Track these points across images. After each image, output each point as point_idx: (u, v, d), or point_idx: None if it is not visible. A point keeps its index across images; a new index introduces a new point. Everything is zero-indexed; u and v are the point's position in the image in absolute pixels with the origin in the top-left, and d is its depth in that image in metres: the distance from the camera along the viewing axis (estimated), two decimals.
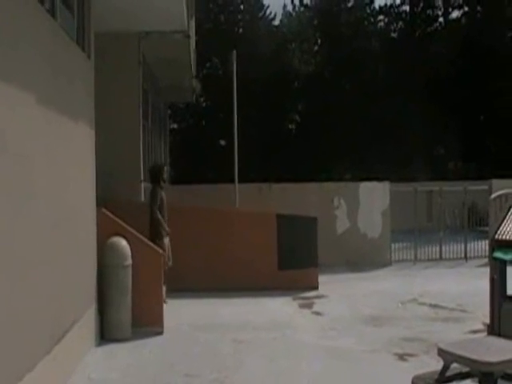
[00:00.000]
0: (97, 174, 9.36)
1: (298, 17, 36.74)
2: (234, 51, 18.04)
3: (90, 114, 9.12)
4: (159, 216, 11.02)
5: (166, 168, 11.54)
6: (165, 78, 19.39)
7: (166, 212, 11.27)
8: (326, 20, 34.79)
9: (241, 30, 35.38)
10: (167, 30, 13.45)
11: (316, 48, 36.61)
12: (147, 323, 9.45)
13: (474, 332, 9.28)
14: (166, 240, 11.10)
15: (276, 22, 37.27)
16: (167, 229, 11.11)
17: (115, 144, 12.80)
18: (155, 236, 10.90)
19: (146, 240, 9.76)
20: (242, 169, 17.96)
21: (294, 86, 33.59)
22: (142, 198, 14.23)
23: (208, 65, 34.39)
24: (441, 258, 16.88)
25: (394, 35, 36.30)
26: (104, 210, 9.45)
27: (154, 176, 11.39)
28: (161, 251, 9.77)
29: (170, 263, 11.06)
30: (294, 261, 12.84)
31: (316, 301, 12.01)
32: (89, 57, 9.09)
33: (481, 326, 9.31)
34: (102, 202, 9.52)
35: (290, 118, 33.78)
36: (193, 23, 18.11)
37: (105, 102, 11.02)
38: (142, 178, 14.19)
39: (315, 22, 36.07)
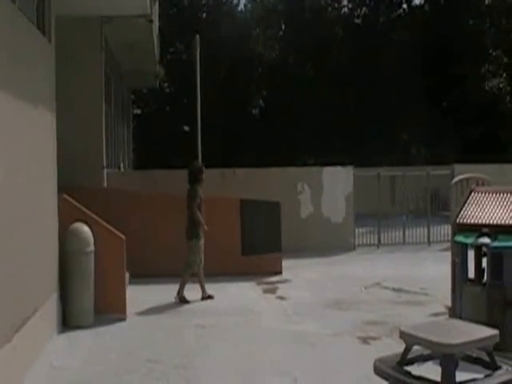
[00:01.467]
0: (58, 161, 9.25)
1: (262, 2, 36.58)
2: (197, 36, 17.95)
3: (51, 99, 8.99)
4: (200, 217, 10.92)
5: (204, 168, 11.40)
6: (127, 63, 19.22)
7: (204, 211, 11.14)
8: (290, 6, 34.70)
9: (204, 15, 35.14)
10: (130, 15, 13.31)
11: (280, 34, 36.50)
12: (110, 310, 9.41)
13: (436, 315, 9.39)
14: (202, 241, 10.98)
15: (240, 8, 37.21)
16: (206, 228, 11.01)
17: (77, 130, 12.69)
18: (194, 236, 10.88)
19: (108, 226, 9.68)
20: (206, 154, 17.91)
21: (258, 72, 33.50)
22: (105, 184, 14.13)
23: (172, 50, 34.11)
24: (404, 242, 17.04)
25: (357, 21, 36.32)
26: (66, 196, 9.35)
27: (194, 176, 11.17)
28: (123, 238, 9.69)
29: (202, 265, 10.95)
30: (257, 246, 12.87)
31: (280, 285, 12.05)
32: (49, 41, 8.95)
33: (443, 309, 9.42)
34: (63, 188, 9.42)
35: (254, 104, 33.72)
36: (156, 8, 17.95)
37: (66, 87, 10.91)
38: (105, 165, 14.07)
39: (279, 7, 35.97)
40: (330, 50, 32.25)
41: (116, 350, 7.99)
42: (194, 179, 11.14)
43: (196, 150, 16.60)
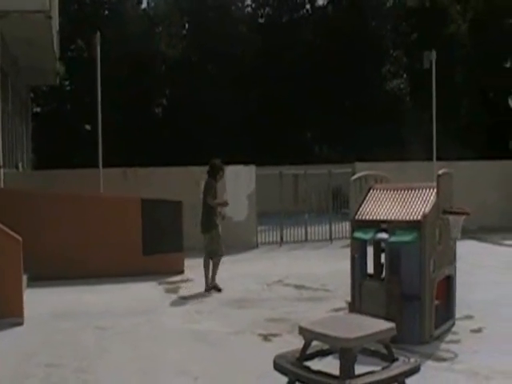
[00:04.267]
0: None
1: (165, 0, 36.33)
2: (98, 33, 17.60)
3: None
4: (213, 203, 11.42)
5: (224, 168, 12.03)
6: (26, 59, 18.73)
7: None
8: (193, 4, 34.56)
9: (106, 12, 34.61)
10: (27, 10, 12.94)
11: (184, 32, 36.35)
12: (6, 314, 9.09)
13: (337, 310, 9.51)
14: (220, 229, 11.50)
15: (143, 5, 36.77)
16: (222, 216, 11.67)
17: None
18: (212, 227, 11.42)
19: (3, 227, 9.35)
20: (108, 154, 17.61)
21: (161, 70, 33.22)
22: (1, 185, 13.69)
23: (73, 47, 33.41)
24: (306, 239, 17.21)
25: (261, 21, 36.55)
26: None
27: (213, 171, 11.72)
28: (20, 239, 9.38)
29: (222, 253, 11.51)
30: (159, 245, 12.72)
31: (182, 285, 11.95)
32: None
33: (343, 305, 9.52)
34: None
35: (156, 103, 33.42)
36: (56, 3, 17.55)
37: None
38: (1, 164, 13.63)
39: (183, 5, 35.76)
40: (233, 49, 32.29)
41: (13, 355, 7.74)
42: (213, 173, 11.70)
43: (97, 149, 16.27)
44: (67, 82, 33.25)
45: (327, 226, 17.50)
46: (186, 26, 36.34)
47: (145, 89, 31.02)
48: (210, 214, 11.47)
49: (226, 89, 30.77)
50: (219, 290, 11.33)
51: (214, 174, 11.73)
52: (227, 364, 7.39)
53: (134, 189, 14.89)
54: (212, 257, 11.47)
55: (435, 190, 8.31)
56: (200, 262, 11.61)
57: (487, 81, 31.73)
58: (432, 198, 8.27)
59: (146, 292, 11.39)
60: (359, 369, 5.77)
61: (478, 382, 6.72)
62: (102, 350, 7.94)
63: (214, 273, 11.46)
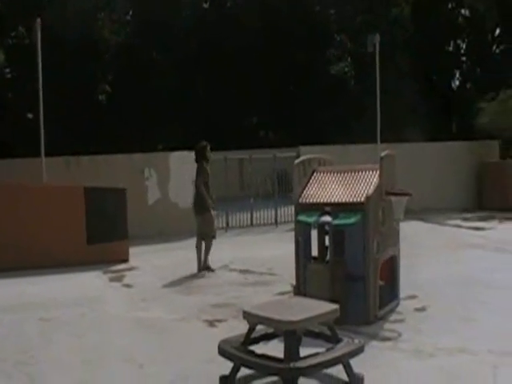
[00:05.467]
0: None
1: None
2: (39, 19, 17.23)
3: None
4: (204, 191, 11.57)
5: (209, 147, 11.98)
6: None
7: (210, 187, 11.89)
8: None
9: None
10: None
11: (127, 18, 35.88)
12: None
13: (282, 294, 9.53)
14: (214, 212, 11.88)
15: None
16: (213, 199, 11.84)
17: None
18: (205, 209, 11.62)
19: None
20: (52, 142, 17.31)
21: (104, 57, 32.73)
22: None
23: (13, 34, 32.70)
24: (252, 224, 17.23)
25: (205, 6, 36.31)
26: None
27: (199, 154, 11.88)
28: None
29: (214, 235, 11.87)
30: (103, 234, 12.57)
31: (127, 273, 11.83)
32: None
33: (289, 288, 9.55)
34: None
35: (100, 89, 32.94)
36: None
37: None
38: None
39: None
40: (177, 35, 32.02)
41: None
42: (200, 157, 11.82)
43: (39, 138, 15.96)
44: (8, 70, 32.56)
45: (273, 211, 17.53)
46: (130, 11, 35.88)
47: (88, 76, 30.51)
48: (203, 196, 11.61)
49: (171, 75, 30.51)
50: (212, 271, 11.60)
51: (203, 157, 11.85)
52: (172, 351, 7.34)
53: (77, 177, 14.68)
54: (204, 238, 11.71)
55: (378, 172, 8.36)
56: (144, 249, 11.56)
57: (430, 64, 32.09)
58: (375, 179, 8.32)
59: (90, 281, 11.24)
60: (304, 351, 5.79)
61: (421, 359, 6.80)
62: (46, 342, 7.81)
63: (207, 254, 11.74)
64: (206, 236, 11.74)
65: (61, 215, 12.22)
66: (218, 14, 33.14)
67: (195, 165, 16.29)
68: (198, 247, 11.77)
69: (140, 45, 32.26)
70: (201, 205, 11.64)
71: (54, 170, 15.27)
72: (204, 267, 11.67)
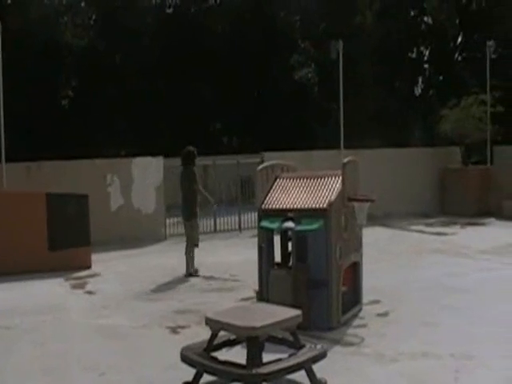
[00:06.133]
0: None
1: None
2: None
3: None
4: (190, 198, 11.78)
5: (195, 152, 12.18)
6: None
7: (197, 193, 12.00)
8: None
9: (9, 1, 33.56)
10: None
11: (90, 22, 35.64)
12: None
13: (246, 300, 9.53)
14: (198, 219, 12.07)
15: None
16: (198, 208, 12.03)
17: None
18: (193, 216, 11.83)
19: None
20: (12, 148, 17.11)
21: (67, 61, 32.45)
22: None
23: None
24: (215, 230, 17.15)
25: (169, 11, 36.21)
26: None
27: (187, 158, 12.00)
28: None
29: (197, 242, 12.00)
30: (65, 240, 12.41)
31: (89, 280, 11.70)
32: None
33: (252, 294, 9.55)
34: None
35: (63, 94, 32.63)
36: None
37: None
38: None
39: None
40: (141, 39, 31.88)
41: None
42: (189, 161, 11.95)
43: None
44: None
45: (236, 217, 17.51)
46: (93, 16, 35.65)
47: (50, 80, 30.23)
48: (191, 202, 11.78)
49: (135, 80, 30.35)
50: (197, 275, 11.71)
51: (192, 161, 12.00)
52: (135, 358, 7.30)
53: (38, 183, 14.45)
54: (191, 243, 11.92)
55: (341, 178, 8.40)
56: (107, 256, 11.46)
57: (393, 70, 32.36)
58: (337, 185, 8.37)
59: (52, 289, 11.09)
60: (267, 357, 5.79)
61: (384, 364, 6.85)
62: (7, 350, 7.71)
63: (192, 259, 11.91)
64: (191, 240, 11.94)
65: (22, 222, 12.07)
66: (181, 20, 33.06)
67: (159, 170, 16.32)
68: (187, 252, 11.92)
69: (103, 49, 32.06)
70: (189, 211, 11.83)
71: (14, 176, 15.08)
72: (189, 272, 11.76)
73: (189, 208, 11.83)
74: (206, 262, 12.83)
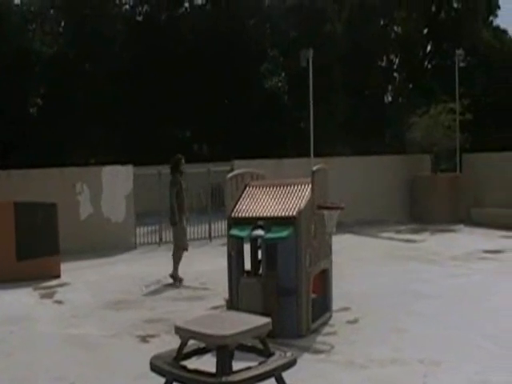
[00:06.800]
0: None
1: None
2: None
3: None
4: (174, 203, 11.88)
5: (183, 160, 12.39)
6: None
7: (185, 198, 12.31)
8: (69, 1, 33.65)
9: None
10: None
11: (60, 30, 35.43)
12: None
13: (216, 308, 9.51)
14: (184, 224, 12.16)
15: (16, 1, 35.53)
16: (187, 214, 12.29)
17: None
18: (173, 221, 11.99)
19: None
20: None
21: (35, 69, 32.22)
22: None
23: None
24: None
25: (139, 19, 36.13)
26: None
27: (173, 166, 12.26)
28: None
29: (184, 247, 12.16)
30: (34, 250, 12.29)
31: (58, 289, 11.59)
32: None
33: (222, 302, 9.52)
34: None
35: (31, 102, 32.39)
36: None
37: None
38: None
39: (58, 2, 34.82)
40: (110, 47, 31.75)
41: None
42: (173, 169, 12.20)
43: None
44: None
45: (207, 225, 17.47)
46: (62, 23, 35.45)
47: (19, 88, 29.99)
48: (173, 209, 11.94)
49: (105, 88, 30.21)
50: (180, 281, 11.78)
51: (176, 168, 12.21)
52: (104, 367, 7.25)
53: (7, 192, 14.31)
54: (176, 249, 12.10)
55: (310, 186, 8.43)
56: (76, 265, 11.38)
57: (364, 78, 32.60)
58: (307, 193, 8.39)
59: (20, 298, 10.96)
60: (237, 365, 5.77)
61: (354, 371, 6.87)
62: None
63: (175, 264, 11.99)
64: (175, 247, 12.11)
65: None
66: (151, 28, 33.01)
67: (128, 179, 16.26)
68: (174, 257, 12.04)
69: (73, 56, 31.90)
70: (173, 217, 12.00)
71: None
72: (174, 278, 11.82)
73: (173, 213, 11.98)
74: None
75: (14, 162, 23.74)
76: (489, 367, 6.90)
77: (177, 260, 12.01)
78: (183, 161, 12.39)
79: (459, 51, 23.30)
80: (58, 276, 12.46)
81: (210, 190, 18.07)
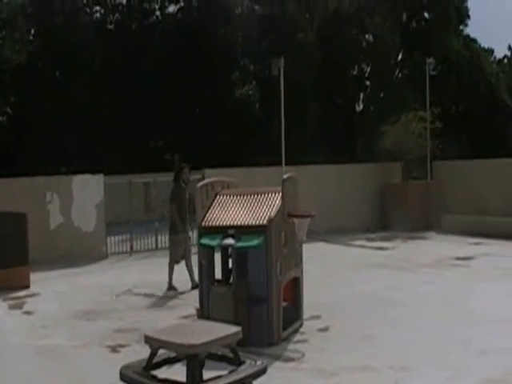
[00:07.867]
0: None
1: (9, 4, 34.98)
2: None
3: None
4: (174, 214, 11.78)
5: (187, 169, 12.27)
6: None
7: (187, 209, 12.07)
8: (39, 8, 33.45)
9: None
10: None
11: (30, 37, 35.20)
12: None
13: (186, 317, 9.48)
14: (181, 236, 11.88)
15: None
16: (188, 226, 12.03)
17: None
18: (171, 232, 11.97)
19: None
20: None
21: (5, 77, 31.95)
22: None
23: None
24: (157, 248, 16.95)
25: (110, 27, 36.00)
26: None
27: (175, 175, 12.18)
28: None
29: (179, 260, 12.00)
30: (2, 260, 12.11)
31: (28, 300, 11.46)
32: None
33: (193, 311, 9.48)
34: None
35: (1, 111, 32.10)
36: None
37: None
38: None
39: (28, 10, 34.59)
40: (81, 55, 31.61)
41: None
42: (176, 178, 12.09)
43: None
44: None
45: None
46: (32, 31, 35.21)
47: None
48: (171, 219, 11.94)
49: (75, 96, 30.00)
50: (175, 290, 11.71)
51: (177, 177, 12.11)
52: (74, 378, 7.20)
53: None
54: (170, 259, 12.02)
55: (280, 194, 8.44)
56: (46, 275, 11.28)
57: (335, 87, 32.73)
58: (277, 202, 8.40)
59: None
60: (207, 374, 5.75)
61: (324, 378, 6.89)
62: None
63: (169, 273, 11.92)
64: (170, 256, 12.07)
65: None
66: (123, 36, 32.93)
67: (99, 188, 16.15)
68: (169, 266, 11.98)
69: (43, 65, 31.72)
70: (171, 227, 11.97)
71: None
72: (168, 287, 11.80)
73: (170, 224, 11.99)
74: (146, 280, 12.75)
75: None
76: (459, 373, 6.95)
77: (169, 270, 11.93)
78: (187, 170, 12.26)
79: (430, 60, 23.47)
80: (27, 286, 12.32)
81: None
